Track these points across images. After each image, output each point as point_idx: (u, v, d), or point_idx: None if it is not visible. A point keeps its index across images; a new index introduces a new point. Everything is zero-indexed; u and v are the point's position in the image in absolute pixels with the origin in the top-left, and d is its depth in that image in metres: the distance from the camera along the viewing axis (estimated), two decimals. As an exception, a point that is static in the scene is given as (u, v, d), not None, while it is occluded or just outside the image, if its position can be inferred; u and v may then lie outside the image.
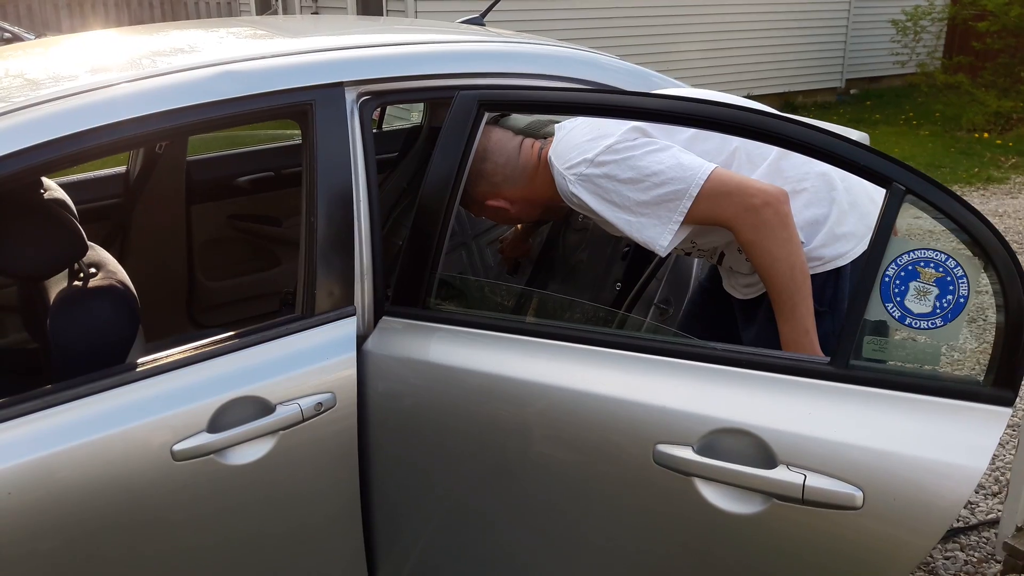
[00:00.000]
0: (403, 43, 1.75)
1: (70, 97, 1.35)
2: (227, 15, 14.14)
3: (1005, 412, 1.06)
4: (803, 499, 1.12)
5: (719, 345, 1.25)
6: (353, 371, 1.49)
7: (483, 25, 2.35)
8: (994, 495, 2.61)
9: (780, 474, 1.13)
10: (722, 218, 1.41)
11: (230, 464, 1.39)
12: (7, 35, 8.93)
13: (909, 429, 1.09)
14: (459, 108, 1.48)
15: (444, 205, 1.47)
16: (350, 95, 1.56)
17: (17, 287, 2.04)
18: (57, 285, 1.60)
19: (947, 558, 2.39)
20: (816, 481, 1.11)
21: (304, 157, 1.55)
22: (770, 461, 1.15)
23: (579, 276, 2.19)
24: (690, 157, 1.44)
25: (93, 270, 1.60)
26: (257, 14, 12.26)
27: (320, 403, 1.45)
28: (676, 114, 1.40)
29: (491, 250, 2.65)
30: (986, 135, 8.66)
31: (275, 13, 11.64)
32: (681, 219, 1.42)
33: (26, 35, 9.27)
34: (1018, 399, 1.16)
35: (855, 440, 1.11)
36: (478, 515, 1.50)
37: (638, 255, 2.04)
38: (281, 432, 1.43)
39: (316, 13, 10.24)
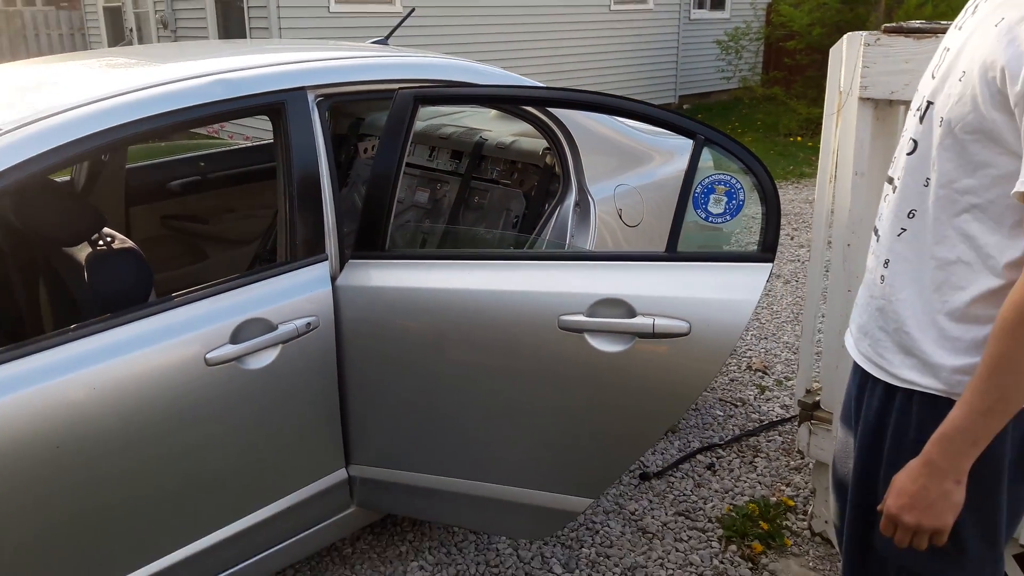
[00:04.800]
0: (341, 59, 2.28)
1: (109, 99, 1.80)
2: (73, 48, 13.84)
3: (768, 265, 1.72)
4: (654, 333, 1.74)
5: (596, 251, 1.86)
6: (330, 300, 2.00)
7: (387, 44, 2.90)
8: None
9: (639, 320, 1.75)
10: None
11: (247, 369, 1.87)
12: None
13: (712, 282, 1.74)
14: (399, 103, 2.03)
15: (392, 174, 2.02)
16: (311, 96, 2.08)
17: (41, 256, 2.35)
18: (82, 251, 2.02)
19: (769, 441, 3.13)
20: (661, 321, 1.74)
21: (278, 143, 2.06)
22: (632, 313, 1.77)
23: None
24: None
25: (110, 238, 2.03)
26: (110, 45, 12.15)
27: (308, 323, 1.96)
28: (554, 99, 2.02)
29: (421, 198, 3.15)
30: (800, 139, 9.93)
31: (129, 43, 11.61)
32: None
33: None
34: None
35: (682, 294, 1.75)
36: (427, 398, 2.03)
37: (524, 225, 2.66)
38: (282, 344, 1.92)
39: (175, 40, 10.34)
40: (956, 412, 1.18)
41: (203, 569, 1.94)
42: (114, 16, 12.05)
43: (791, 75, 11.44)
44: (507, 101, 2.27)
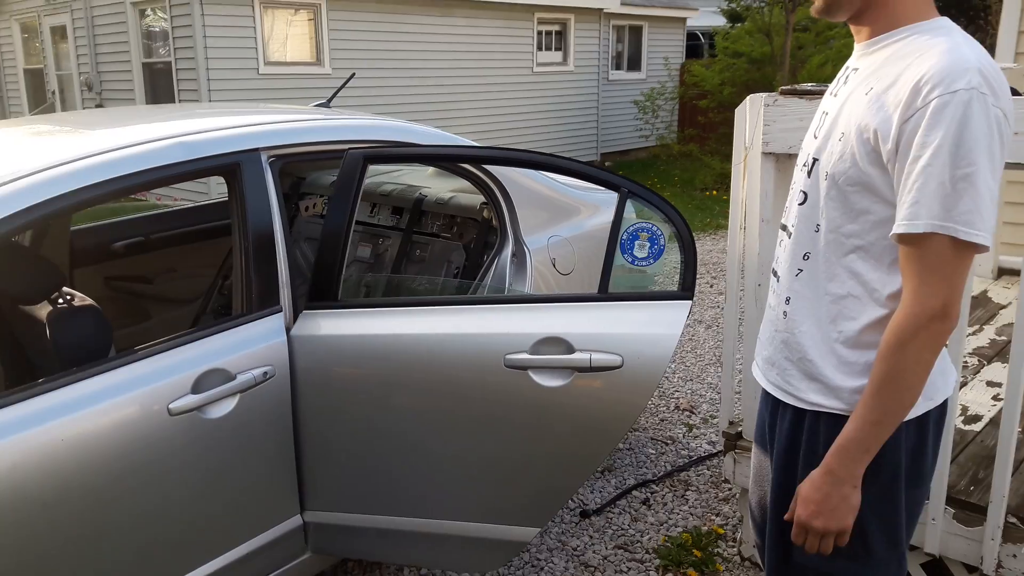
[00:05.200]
0: (291, 122, 2.43)
1: (78, 160, 1.90)
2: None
3: (688, 302, 1.93)
4: (591, 367, 1.92)
5: (537, 294, 2.03)
6: (285, 349, 2.11)
7: (329, 107, 3.07)
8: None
9: (578, 356, 1.93)
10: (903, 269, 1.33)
11: (208, 418, 1.96)
12: None
13: (640, 319, 1.93)
14: (350, 162, 2.19)
15: (344, 228, 2.16)
16: (264, 157, 2.22)
17: None
18: (42, 309, 2.09)
19: (698, 475, 3.32)
20: (597, 356, 1.92)
21: (233, 201, 2.18)
22: (571, 350, 1.94)
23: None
24: (994, 207, 1.27)
25: (69, 296, 2.11)
26: (31, 109, 11.98)
27: (265, 372, 2.06)
28: (491, 158, 2.21)
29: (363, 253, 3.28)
30: (715, 193, 10.44)
31: (52, 107, 11.47)
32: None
33: None
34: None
35: (614, 330, 1.93)
36: (380, 439, 2.14)
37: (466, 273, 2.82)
38: (240, 393, 2.01)
39: (100, 106, 10.29)
40: (850, 426, 1.35)
41: (163, 616, 1.98)
42: (35, 78, 11.90)
43: (705, 132, 12.04)
44: (448, 159, 2.46)
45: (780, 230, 1.59)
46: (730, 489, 3.16)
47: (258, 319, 2.11)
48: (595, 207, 3.13)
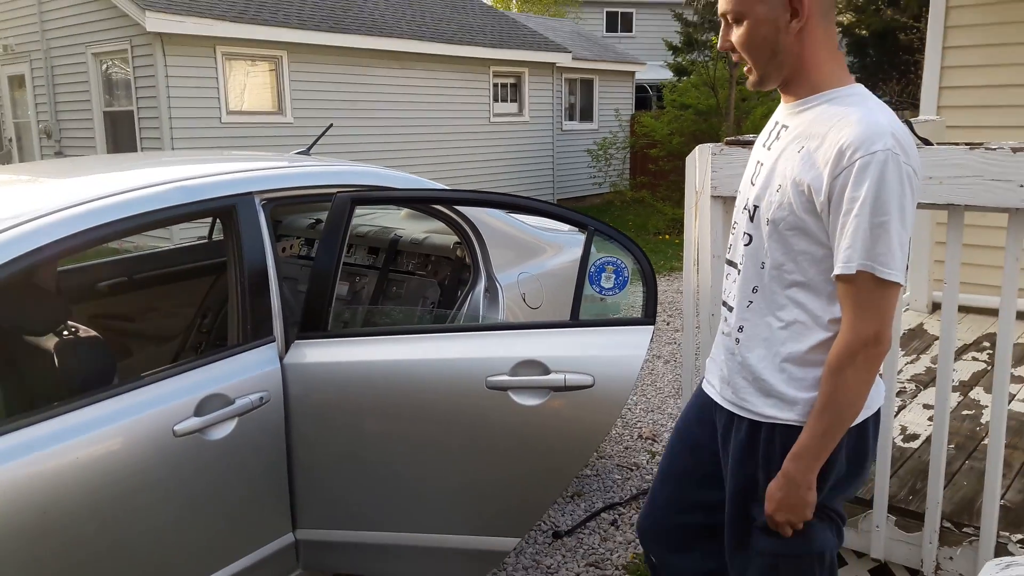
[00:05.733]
0: (281, 168, 2.61)
1: (87, 203, 2.06)
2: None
3: (651, 327, 2.15)
4: (565, 386, 2.11)
5: (514, 323, 2.23)
6: (279, 376, 2.27)
7: (309, 155, 3.26)
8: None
9: (553, 376, 2.12)
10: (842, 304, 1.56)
11: (209, 440, 2.10)
12: None
13: (609, 343, 2.14)
14: (338, 205, 2.38)
15: (334, 264, 2.34)
16: (257, 200, 2.40)
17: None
18: (49, 340, 2.21)
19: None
20: (571, 376, 2.11)
21: (229, 240, 2.34)
22: (547, 371, 2.13)
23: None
24: (903, 251, 1.50)
25: (74, 328, 2.24)
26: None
27: (261, 397, 2.21)
28: (468, 200, 2.42)
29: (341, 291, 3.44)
30: (667, 236, 10.79)
31: (9, 154, 11.42)
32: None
33: None
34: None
35: (585, 353, 2.14)
36: (368, 457, 2.29)
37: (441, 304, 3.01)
38: (239, 417, 2.16)
39: (60, 154, 10.30)
40: (803, 436, 1.59)
41: (164, 631, 2.09)
42: (-10, 127, 11.83)
43: (656, 180, 12.46)
44: (428, 202, 2.67)
45: (727, 265, 1.81)
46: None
47: (254, 348, 2.26)
48: (559, 246, 3.36)
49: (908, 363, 3.88)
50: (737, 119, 11.74)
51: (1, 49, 10.83)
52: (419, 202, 2.60)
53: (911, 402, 3.45)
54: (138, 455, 1.96)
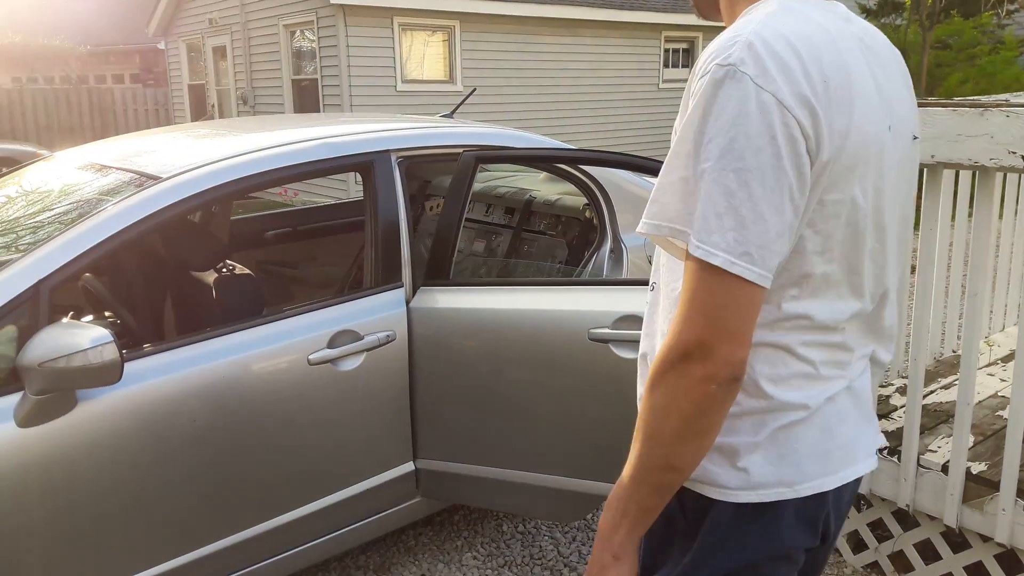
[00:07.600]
0: (416, 128, 2.81)
1: (247, 154, 2.34)
2: (157, 123, 15.02)
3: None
4: (664, 340, 2.17)
5: (617, 278, 2.30)
6: (404, 318, 2.47)
7: (453, 117, 3.45)
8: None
9: (653, 331, 2.19)
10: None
11: (340, 370, 2.34)
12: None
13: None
14: (464, 163, 2.54)
15: (458, 216, 2.51)
16: (393, 157, 2.60)
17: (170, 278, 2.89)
18: (209, 276, 2.54)
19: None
20: (670, 331, 2.18)
21: (367, 193, 2.57)
22: (648, 326, 2.21)
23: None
24: (759, 228, 0.95)
25: (232, 266, 2.55)
26: (192, 120, 13.23)
27: (388, 335, 2.43)
28: (584, 159, 2.50)
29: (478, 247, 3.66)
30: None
31: (211, 117, 12.65)
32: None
33: (30, 149, 9.13)
34: None
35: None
36: (483, 399, 2.46)
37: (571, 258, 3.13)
38: (367, 352, 2.39)
39: (254, 114, 11.28)
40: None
41: (296, 535, 2.37)
42: (197, 93, 13.13)
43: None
44: (547, 160, 2.77)
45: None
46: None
47: (383, 291, 2.48)
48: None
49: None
50: (930, 86, 10.89)
51: (207, 22, 11.94)
52: (540, 160, 2.71)
53: None
54: (276, 377, 2.23)
